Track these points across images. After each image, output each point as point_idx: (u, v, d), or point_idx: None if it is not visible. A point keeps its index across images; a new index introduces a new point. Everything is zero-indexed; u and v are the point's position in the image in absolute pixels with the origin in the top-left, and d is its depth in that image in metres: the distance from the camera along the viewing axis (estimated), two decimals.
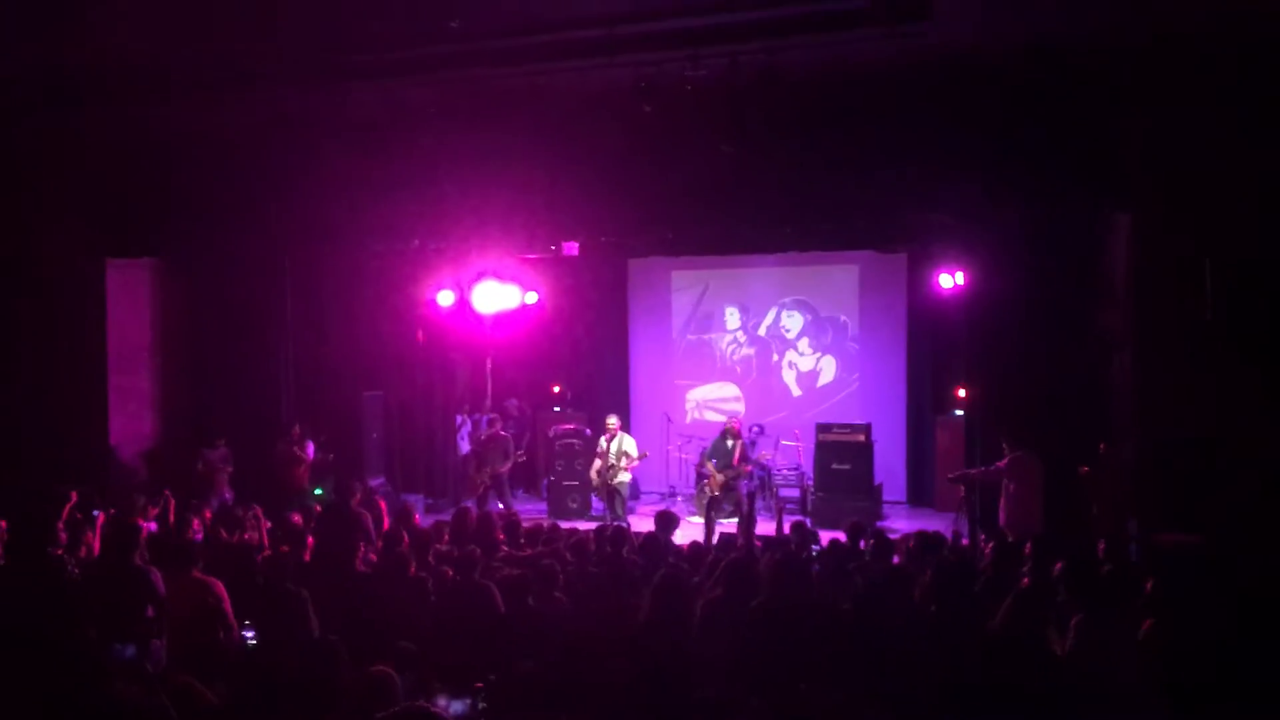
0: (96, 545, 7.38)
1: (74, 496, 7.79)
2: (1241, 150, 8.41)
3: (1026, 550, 6.71)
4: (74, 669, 3.79)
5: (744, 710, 3.75)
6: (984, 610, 5.69)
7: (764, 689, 3.90)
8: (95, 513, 7.97)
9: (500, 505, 12.00)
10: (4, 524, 7.43)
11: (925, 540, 8.06)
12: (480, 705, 3.87)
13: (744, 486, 12.08)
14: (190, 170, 11.19)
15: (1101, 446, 9.38)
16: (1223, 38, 8.22)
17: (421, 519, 9.94)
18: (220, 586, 6.20)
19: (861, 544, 7.87)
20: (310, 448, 12.18)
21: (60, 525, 6.90)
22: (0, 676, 4.01)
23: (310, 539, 8.05)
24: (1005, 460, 9.56)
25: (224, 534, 8.55)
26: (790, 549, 6.98)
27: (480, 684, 3.96)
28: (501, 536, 8.19)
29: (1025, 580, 5.95)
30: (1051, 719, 4.49)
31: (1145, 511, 8.81)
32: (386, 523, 9.01)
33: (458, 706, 3.85)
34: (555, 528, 9.26)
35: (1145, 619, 5.30)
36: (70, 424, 11.58)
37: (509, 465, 12.69)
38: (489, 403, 15.23)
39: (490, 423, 13.26)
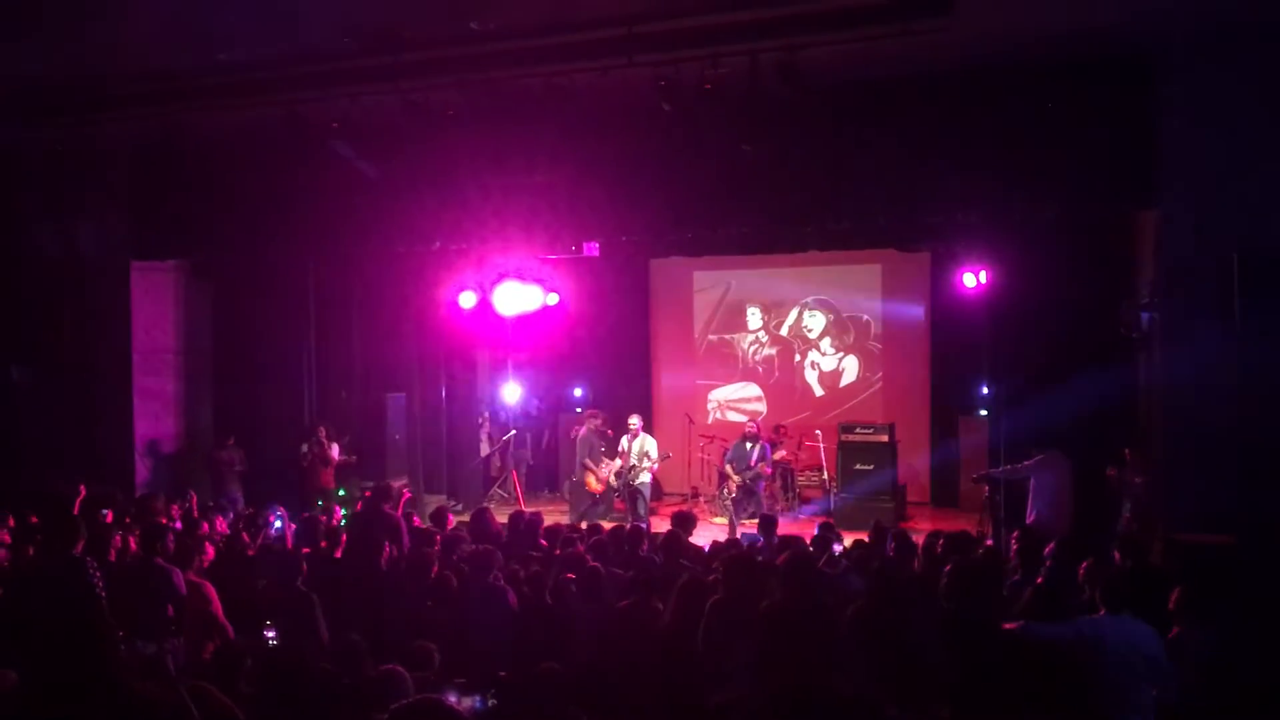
0: (117, 541, 7.41)
1: (83, 490, 7.84)
2: (1270, 146, 8.29)
3: (1048, 550, 6.62)
4: (95, 666, 3.79)
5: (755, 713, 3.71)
6: (1008, 611, 5.62)
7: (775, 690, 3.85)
8: (104, 511, 7.98)
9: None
10: (35, 520, 7.52)
11: (954, 541, 7.99)
12: (490, 702, 3.85)
13: (762, 488, 12.04)
14: (215, 174, 11.30)
15: (1126, 453, 9.27)
16: (1252, 31, 8.10)
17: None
18: (210, 588, 6.21)
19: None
20: (335, 449, 12.22)
21: (73, 521, 6.92)
22: (22, 671, 4.03)
23: (343, 537, 8.09)
24: (1033, 459, 9.44)
25: (246, 537, 8.60)
26: (801, 549, 6.89)
27: (493, 681, 3.95)
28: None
29: (1040, 579, 5.86)
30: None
31: (1174, 513, 8.68)
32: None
33: (468, 703, 3.85)
34: (576, 528, 9.24)
35: (1173, 625, 5.22)
36: (95, 424, 11.70)
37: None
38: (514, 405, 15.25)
39: (592, 417, 12.68)
